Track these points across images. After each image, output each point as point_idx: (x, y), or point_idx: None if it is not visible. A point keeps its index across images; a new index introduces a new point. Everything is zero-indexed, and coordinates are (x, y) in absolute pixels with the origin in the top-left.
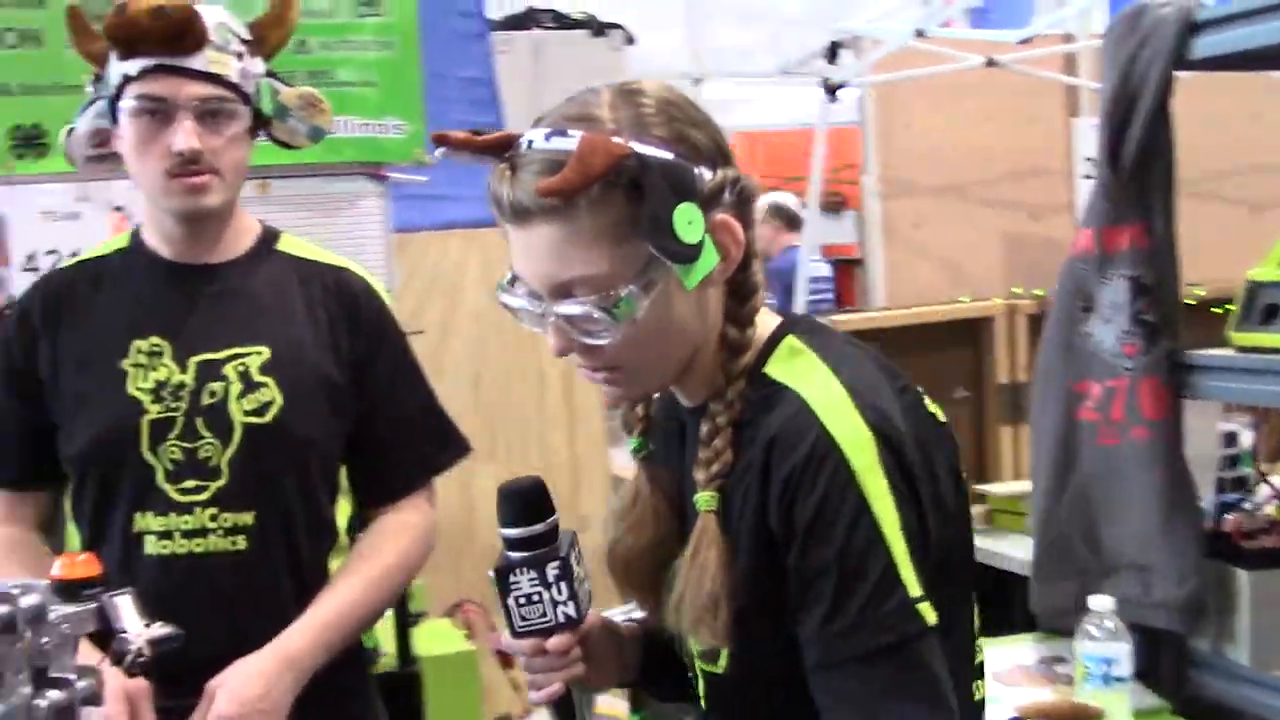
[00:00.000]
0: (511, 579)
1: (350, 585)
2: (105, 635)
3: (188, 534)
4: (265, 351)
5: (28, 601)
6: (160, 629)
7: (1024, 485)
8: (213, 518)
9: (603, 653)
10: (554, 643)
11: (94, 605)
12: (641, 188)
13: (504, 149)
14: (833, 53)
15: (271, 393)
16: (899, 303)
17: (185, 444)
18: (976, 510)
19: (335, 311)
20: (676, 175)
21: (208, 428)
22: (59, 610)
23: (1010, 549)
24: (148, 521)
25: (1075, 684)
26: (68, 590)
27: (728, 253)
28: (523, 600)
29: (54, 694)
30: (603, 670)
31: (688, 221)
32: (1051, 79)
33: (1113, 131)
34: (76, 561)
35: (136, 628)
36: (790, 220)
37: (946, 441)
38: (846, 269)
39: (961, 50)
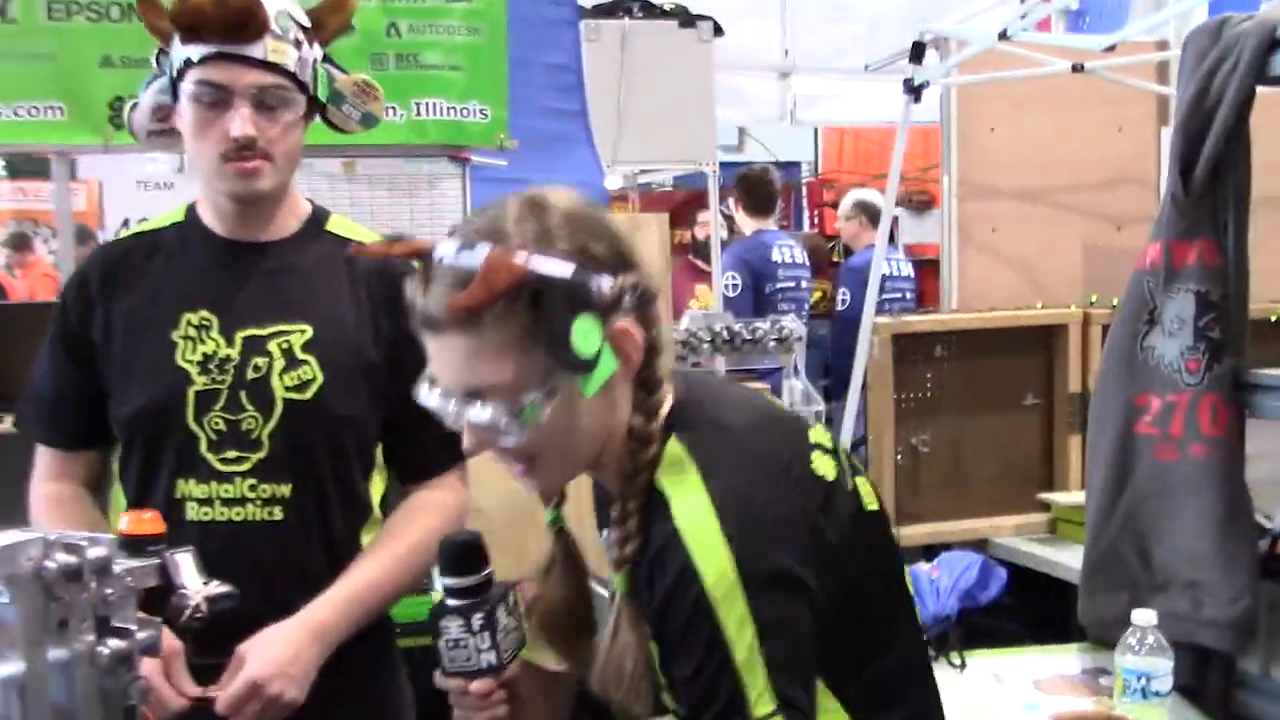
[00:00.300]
0: (441, 624)
1: (378, 561)
2: (161, 593)
3: (227, 502)
4: (308, 330)
5: (94, 553)
6: (217, 587)
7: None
8: (251, 488)
9: (528, 697)
10: (475, 686)
11: (156, 561)
12: (541, 303)
13: (419, 257)
14: (917, 53)
15: (312, 371)
16: (972, 306)
17: (228, 416)
18: (1040, 519)
19: (377, 292)
20: (574, 290)
21: (250, 401)
22: (123, 563)
23: (1071, 558)
24: (190, 488)
25: (1115, 696)
26: (132, 545)
27: (628, 357)
28: (450, 644)
29: (115, 642)
30: (528, 713)
31: (585, 334)
32: (1142, 87)
33: (1187, 144)
34: (143, 519)
35: (195, 585)
36: (875, 217)
37: (840, 496)
38: (933, 269)
39: (1049, 55)
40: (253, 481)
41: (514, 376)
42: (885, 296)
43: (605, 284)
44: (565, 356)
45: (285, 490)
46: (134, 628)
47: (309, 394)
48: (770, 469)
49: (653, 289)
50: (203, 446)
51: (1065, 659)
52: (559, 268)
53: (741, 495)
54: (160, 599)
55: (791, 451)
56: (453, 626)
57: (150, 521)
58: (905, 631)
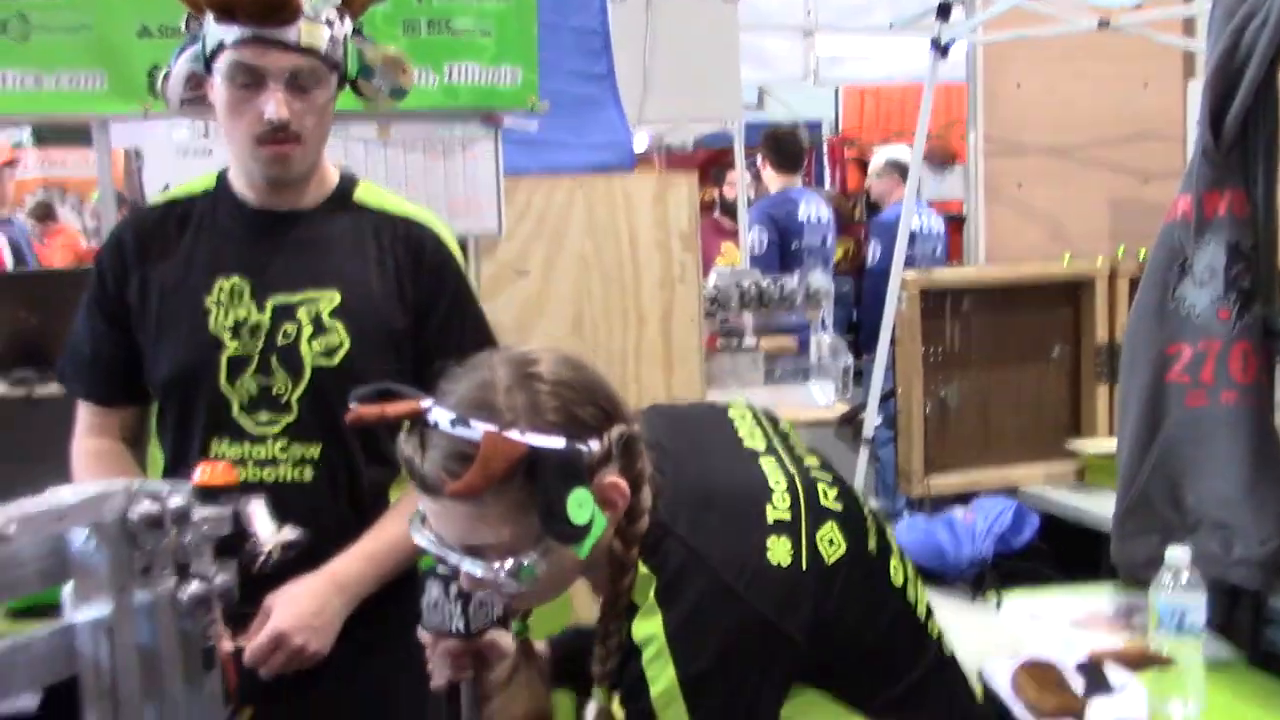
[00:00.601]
0: (426, 583)
1: (401, 517)
2: (236, 540)
3: (260, 463)
4: (336, 297)
5: (174, 502)
6: (290, 532)
7: (1115, 443)
8: (282, 449)
9: (496, 664)
10: (441, 646)
11: (231, 509)
12: (536, 475)
13: (413, 418)
14: (944, 10)
15: (340, 337)
16: (1000, 261)
17: (259, 380)
18: (1070, 467)
19: (403, 260)
20: (567, 464)
21: (281, 366)
22: (201, 512)
23: (1100, 505)
24: (224, 449)
25: (1149, 632)
26: (206, 495)
27: (615, 507)
28: (429, 604)
29: (195, 587)
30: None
31: (578, 505)
32: (1168, 42)
33: (1216, 99)
34: (217, 469)
35: (268, 532)
36: (906, 174)
37: (797, 580)
38: (956, 225)
39: (1075, 11)
40: (283, 443)
41: (511, 538)
42: (915, 252)
43: (594, 447)
44: (561, 529)
45: (314, 452)
46: (211, 573)
47: (337, 360)
48: (727, 580)
49: (636, 435)
50: (235, 409)
51: (1099, 598)
52: (552, 442)
53: (692, 620)
54: (235, 546)
55: (747, 551)
56: (434, 589)
57: (223, 472)
58: (901, 630)
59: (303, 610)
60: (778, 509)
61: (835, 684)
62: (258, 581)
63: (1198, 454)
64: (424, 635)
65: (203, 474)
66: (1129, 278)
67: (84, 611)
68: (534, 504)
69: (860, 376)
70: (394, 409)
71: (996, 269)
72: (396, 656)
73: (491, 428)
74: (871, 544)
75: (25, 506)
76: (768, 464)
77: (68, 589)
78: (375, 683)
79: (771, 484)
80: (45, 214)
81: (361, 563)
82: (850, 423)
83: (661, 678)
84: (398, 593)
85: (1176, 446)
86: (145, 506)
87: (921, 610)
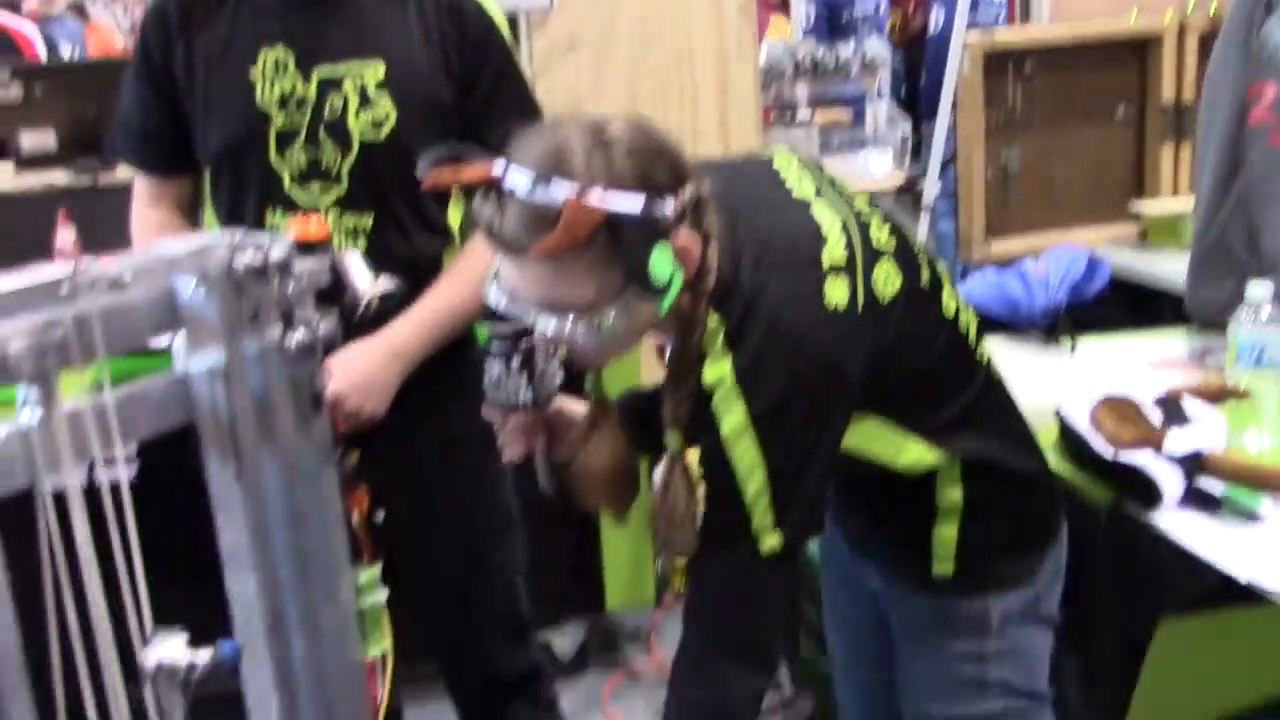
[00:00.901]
0: (486, 363)
1: (454, 283)
2: (334, 292)
3: None
4: (381, 68)
5: (276, 253)
6: (386, 282)
7: (1180, 202)
8: (335, 220)
9: (565, 431)
10: (511, 421)
11: (329, 261)
12: (616, 235)
13: (488, 184)
14: None
15: (386, 109)
16: (1064, 18)
17: (308, 152)
18: (1133, 229)
19: (447, 30)
20: (647, 223)
21: (329, 138)
22: (301, 263)
23: (1163, 265)
24: (277, 219)
25: (1225, 368)
26: (302, 249)
27: (689, 266)
28: (492, 383)
29: (301, 334)
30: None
31: (660, 261)
32: None
33: None
34: (311, 224)
35: (365, 282)
36: None
37: (852, 319)
38: None
39: None
40: (335, 214)
41: (594, 296)
42: (978, 20)
43: (669, 207)
44: (646, 285)
45: (366, 222)
46: (315, 321)
47: (384, 133)
48: (789, 323)
49: (705, 194)
50: (286, 182)
51: (1173, 341)
52: (631, 203)
53: (758, 361)
54: (334, 297)
55: (807, 295)
56: (495, 367)
57: (316, 228)
58: (953, 357)
59: (358, 373)
60: (833, 252)
61: (892, 410)
62: (357, 330)
63: (1277, 194)
64: (491, 413)
65: (299, 229)
66: (1198, 33)
67: (197, 360)
68: (616, 260)
69: (917, 150)
70: (469, 172)
71: (1061, 27)
72: (451, 419)
73: (572, 190)
74: (924, 277)
75: (136, 257)
76: (819, 209)
77: (178, 340)
78: (430, 447)
79: (825, 230)
80: (78, 13)
81: (415, 328)
82: (909, 191)
83: (731, 415)
84: (452, 356)
85: (1256, 188)
86: (249, 256)
87: (972, 336)
